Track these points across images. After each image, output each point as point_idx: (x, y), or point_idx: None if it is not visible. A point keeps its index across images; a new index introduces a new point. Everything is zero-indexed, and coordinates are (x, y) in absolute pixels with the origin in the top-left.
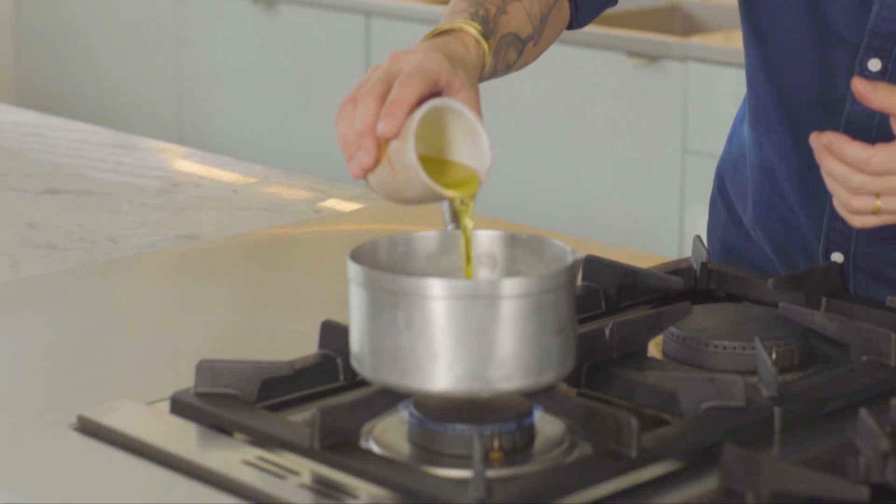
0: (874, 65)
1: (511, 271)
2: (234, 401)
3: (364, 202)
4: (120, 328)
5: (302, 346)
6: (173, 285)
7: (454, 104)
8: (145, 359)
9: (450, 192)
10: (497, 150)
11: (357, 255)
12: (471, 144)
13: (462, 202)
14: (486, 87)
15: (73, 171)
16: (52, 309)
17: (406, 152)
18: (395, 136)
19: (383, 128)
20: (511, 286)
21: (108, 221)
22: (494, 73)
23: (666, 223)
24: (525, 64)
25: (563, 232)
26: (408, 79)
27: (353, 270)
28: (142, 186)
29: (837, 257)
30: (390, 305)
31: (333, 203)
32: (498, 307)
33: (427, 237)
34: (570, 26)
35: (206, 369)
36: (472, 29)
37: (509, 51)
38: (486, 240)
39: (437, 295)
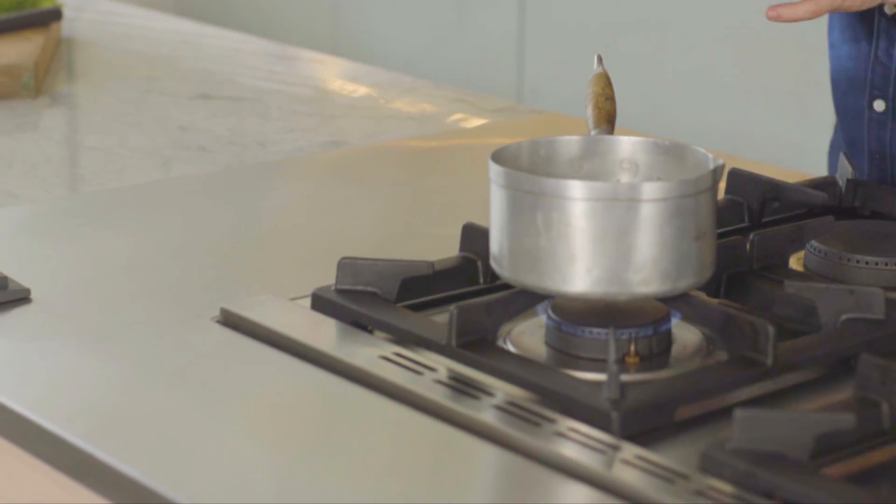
0: None
1: (652, 177)
2: (373, 298)
3: (512, 115)
4: (266, 227)
5: (443, 249)
6: (319, 189)
7: None
8: (289, 257)
9: None
10: (649, 73)
11: (499, 157)
12: None
13: None
14: (635, 9)
15: (226, 78)
16: (201, 207)
17: None
18: None
19: None
20: (651, 189)
21: (258, 126)
22: None
23: (818, 151)
24: None
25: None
26: None
27: (495, 171)
28: (292, 94)
29: None
30: (530, 206)
31: (480, 115)
32: (637, 210)
33: (570, 141)
34: None
35: (347, 267)
36: None
37: None
38: (628, 146)
39: (577, 196)
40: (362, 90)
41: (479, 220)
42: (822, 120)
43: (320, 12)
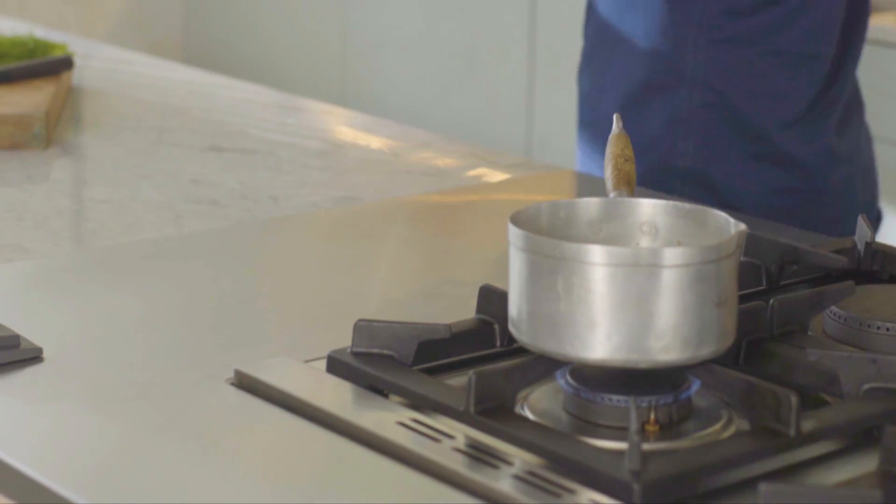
0: None
1: (672, 241)
2: (390, 362)
3: (526, 171)
4: (279, 286)
5: (458, 310)
6: (333, 246)
7: None
8: (303, 317)
9: None
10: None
11: (518, 219)
12: None
13: None
14: None
15: (237, 130)
16: (213, 264)
17: None
18: None
19: None
20: (672, 255)
21: (270, 180)
22: None
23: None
24: None
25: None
26: None
27: (514, 234)
28: (304, 147)
29: None
30: (550, 271)
31: (494, 170)
32: (658, 276)
33: (589, 203)
34: None
35: (363, 329)
36: None
37: None
38: (648, 209)
39: (598, 261)
40: (375, 144)
41: (494, 280)
42: None
43: (329, 61)
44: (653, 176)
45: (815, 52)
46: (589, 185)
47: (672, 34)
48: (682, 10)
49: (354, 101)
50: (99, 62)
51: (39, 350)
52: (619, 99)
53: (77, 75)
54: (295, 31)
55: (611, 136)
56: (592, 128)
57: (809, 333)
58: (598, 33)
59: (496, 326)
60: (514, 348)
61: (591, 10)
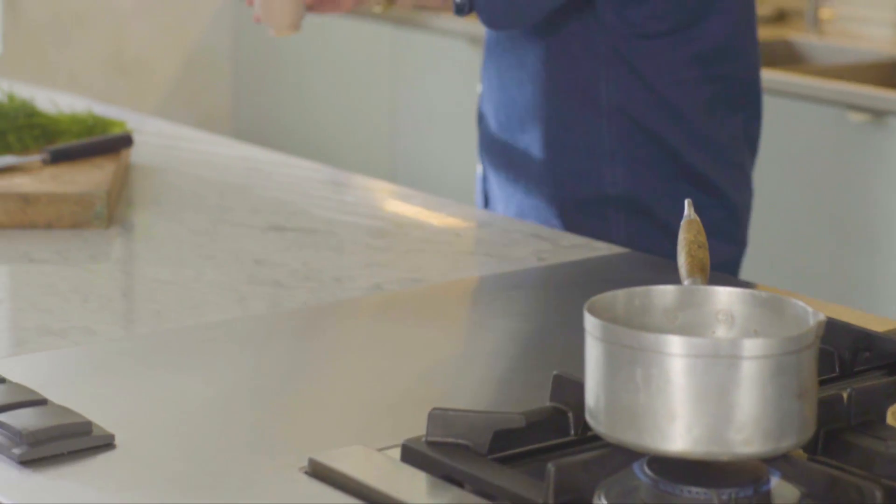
0: None
1: (749, 330)
2: (465, 451)
3: (588, 252)
4: (348, 370)
5: (529, 397)
6: (400, 328)
7: None
8: (373, 402)
9: None
10: None
11: (594, 308)
12: None
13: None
14: None
15: (298, 209)
16: (280, 347)
17: None
18: None
19: None
20: (753, 346)
21: (334, 261)
22: None
23: (887, 285)
24: None
25: (782, 290)
26: None
27: (591, 323)
28: (365, 226)
29: None
30: (629, 361)
31: (557, 251)
32: (739, 367)
33: (665, 291)
34: None
35: (438, 418)
36: None
37: None
38: (724, 297)
39: (678, 352)
40: (435, 223)
41: (561, 364)
42: (892, 253)
43: (377, 138)
44: (586, 208)
45: (714, 76)
46: (649, 267)
47: (584, 66)
48: (589, 43)
49: (403, 176)
50: (152, 137)
51: (112, 437)
52: (542, 136)
53: (133, 151)
54: (344, 106)
55: (683, 223)
56: (517, 170)
57: (889, 424)
58: (499, 74)
59: (570, 415)
60: (588, 437)
61: (487, 49)
